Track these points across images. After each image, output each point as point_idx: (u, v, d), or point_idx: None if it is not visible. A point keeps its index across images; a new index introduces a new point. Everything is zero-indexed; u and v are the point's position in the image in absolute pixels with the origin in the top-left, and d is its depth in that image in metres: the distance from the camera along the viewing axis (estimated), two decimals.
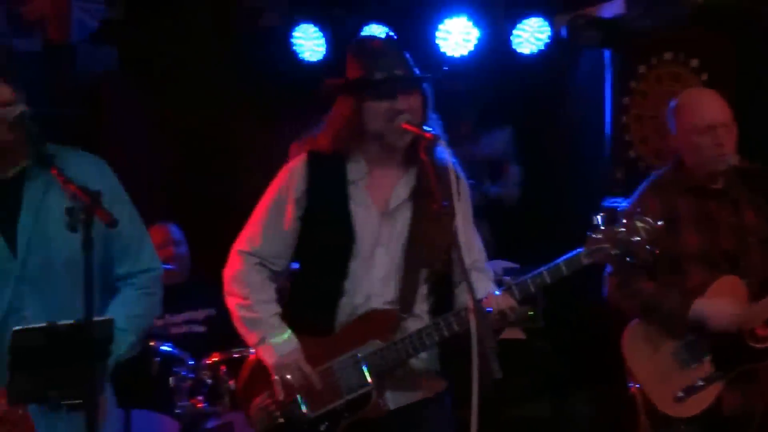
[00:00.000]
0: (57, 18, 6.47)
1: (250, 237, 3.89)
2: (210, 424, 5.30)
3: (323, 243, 3.82)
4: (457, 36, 6.83)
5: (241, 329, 3.87)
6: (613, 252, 3.73)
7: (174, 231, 6.09)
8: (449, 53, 6.84)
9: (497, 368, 3.34)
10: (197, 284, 5.80)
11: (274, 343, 3.79)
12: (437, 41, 6.82)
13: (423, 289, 3.84)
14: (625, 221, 3.74)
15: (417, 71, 3.84)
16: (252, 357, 3.95)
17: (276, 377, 3.77)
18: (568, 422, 6.72)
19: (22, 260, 3.29)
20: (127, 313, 3.45)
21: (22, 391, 3.11)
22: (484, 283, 3.82)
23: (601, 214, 3.76)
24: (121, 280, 3.54)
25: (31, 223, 3.31)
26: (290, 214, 3.84)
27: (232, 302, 3.87)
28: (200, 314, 5.79)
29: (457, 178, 3.73)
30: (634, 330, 4.58)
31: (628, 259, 3.77)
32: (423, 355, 3.82)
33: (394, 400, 3.80)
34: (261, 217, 3.90)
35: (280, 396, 3.78)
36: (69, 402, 3.08)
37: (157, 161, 6.93)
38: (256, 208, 3.93)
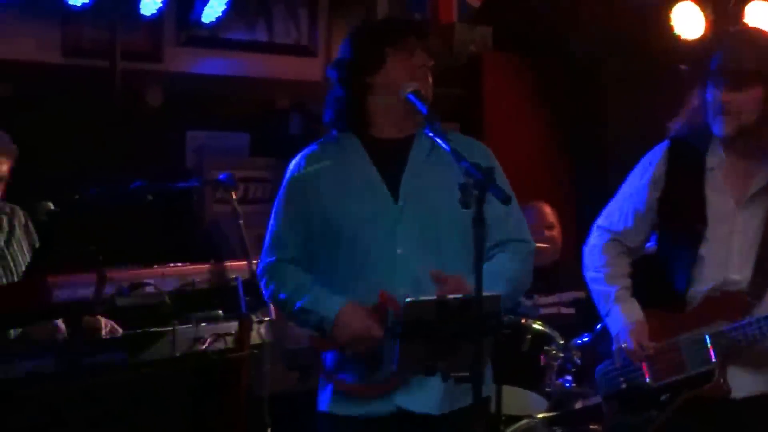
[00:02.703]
0: None
1: (609, 213, 4.01)
2: (577, 405, 5.28)
3: (677, 226, 3.84)
4: None
5: (595, 300, 3.99)
6: None
7: (548, 212, 6.14)
8: None
9: None
10: (567, 267, 5.79)
11: (621, 315, 3.86)
12: None
13: None
14: None
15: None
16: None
17: (619, 346, 3.85)
18: None
19: (401, 207, 3.50)
20: (498, 268, 3.47)
21: (411, 361, 3.20)
22: None
23: None
24: (491, 249, 3.55)
25: (412, 178, 3.53)
26: (648, 195, 3.88)
27: (586, 275, 4.02)
28: (569, 296, 5.79)
29: None
30: None
31: None
32: None
33: (742, 387, 3.73)
34: (621, 194, 3.98)
35: (619, 363, 3.89)
36: (456, 374, 3.14)
37: (534, 140, 6.98)
38: (622, 186, 4.01)
